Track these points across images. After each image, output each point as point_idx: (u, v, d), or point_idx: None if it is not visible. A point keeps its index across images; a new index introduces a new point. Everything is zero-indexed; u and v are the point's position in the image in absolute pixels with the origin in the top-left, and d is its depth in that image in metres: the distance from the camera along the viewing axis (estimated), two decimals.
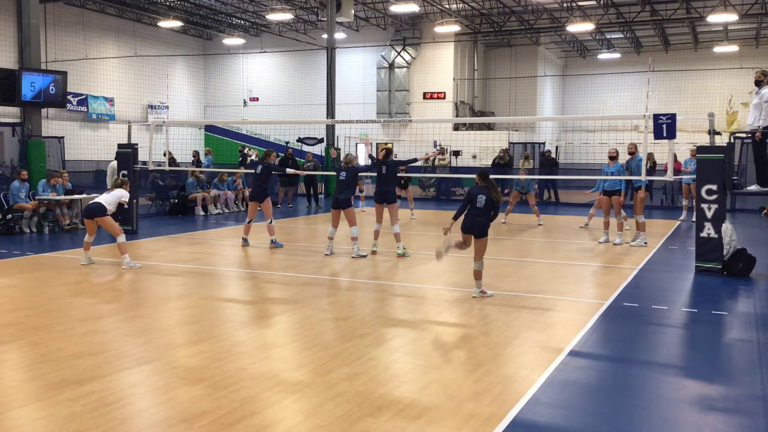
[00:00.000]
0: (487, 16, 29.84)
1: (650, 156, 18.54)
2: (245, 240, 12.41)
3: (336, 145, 26.14)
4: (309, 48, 30.37)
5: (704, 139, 10.65)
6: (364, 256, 11.07)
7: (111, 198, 10.31)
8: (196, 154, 22.84)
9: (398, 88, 32.00)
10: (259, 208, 12.47)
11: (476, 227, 8.03)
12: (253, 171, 12.95)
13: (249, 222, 12.47)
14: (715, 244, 9.86)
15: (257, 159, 23.76)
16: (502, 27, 30.77)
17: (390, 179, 11.60)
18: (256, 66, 34.71)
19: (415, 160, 13.00)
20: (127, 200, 10.57)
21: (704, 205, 9.93)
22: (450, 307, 7.85)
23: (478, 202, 8.03)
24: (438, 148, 27.79)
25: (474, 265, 8.18)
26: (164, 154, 19.33)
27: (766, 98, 9.75)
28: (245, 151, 25.96)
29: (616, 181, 12.61)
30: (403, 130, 31.13)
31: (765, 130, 9.73)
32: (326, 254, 11.28)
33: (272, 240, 12.28)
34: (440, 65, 31.60)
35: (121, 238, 10.18)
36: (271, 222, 12.37)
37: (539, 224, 15.96)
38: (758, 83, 10.02)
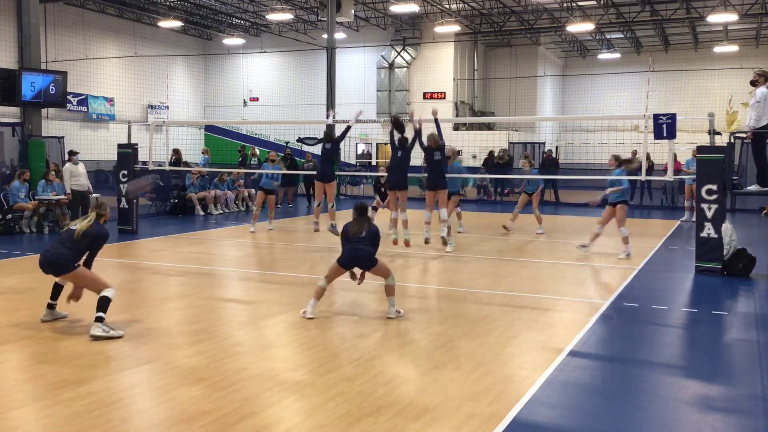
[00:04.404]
0: (487, 16, 29.84)
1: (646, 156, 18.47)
2: (316, 224, 12.07)
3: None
4: (309, 48, 30.37)
5: (704, 139, 10.64)
6: None
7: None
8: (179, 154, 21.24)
9: (398, 88, 32.01)
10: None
11: (363, 256, 7.16)
12: (321, 146, 12.09)
13: (318, 205, 12.05)
14: (715, 244, 9.85)
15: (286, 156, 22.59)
16: (502, 27, 30.77)
17: (403, 165, 11.35)
18: (256, 66, 34.71)
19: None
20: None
21: (704, 205, 9.92)
22: (449, 307, 7.85)
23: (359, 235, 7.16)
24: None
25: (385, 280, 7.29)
26: (171, 155, 19.21)
27: (757, 98, 9.70)
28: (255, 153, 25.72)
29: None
30: None
31: (758, 131, 9.71)
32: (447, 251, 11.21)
33: (331, 224, 11.80)
34: (440, 65, 31.60)
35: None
36: (333, 206, 11.98)
37: (538, 233, 14.25)
38: (753, 83, 9.94)
